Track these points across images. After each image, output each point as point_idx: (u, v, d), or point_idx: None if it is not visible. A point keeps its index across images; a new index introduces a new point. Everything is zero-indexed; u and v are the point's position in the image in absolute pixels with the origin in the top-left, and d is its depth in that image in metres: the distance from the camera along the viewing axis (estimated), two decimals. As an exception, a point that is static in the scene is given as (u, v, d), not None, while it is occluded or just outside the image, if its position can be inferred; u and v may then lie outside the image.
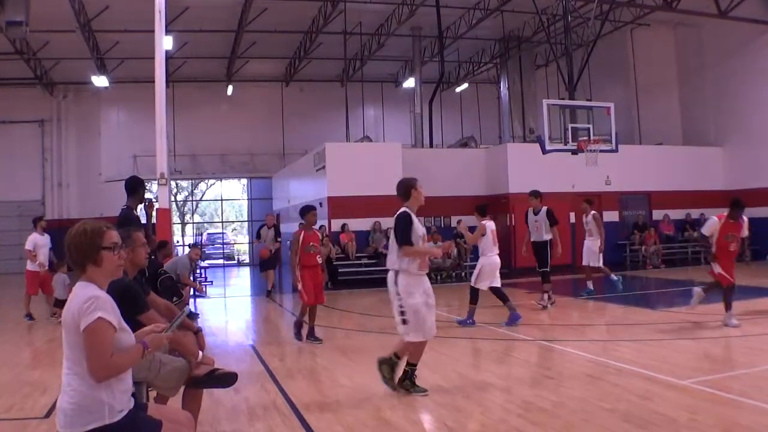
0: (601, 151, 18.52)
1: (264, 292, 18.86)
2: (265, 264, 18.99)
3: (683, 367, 7.98)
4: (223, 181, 41.00)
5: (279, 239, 18.86)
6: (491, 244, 12.40)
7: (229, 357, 9.97)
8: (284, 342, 11.82)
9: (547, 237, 14.23)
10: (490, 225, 12.53)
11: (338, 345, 11.01)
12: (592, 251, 15.73)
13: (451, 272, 22.05)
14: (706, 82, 27.15)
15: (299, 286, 10.93)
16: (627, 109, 27.67)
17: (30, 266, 14.90)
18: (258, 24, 26.09)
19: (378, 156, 23.88)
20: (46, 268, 15.04)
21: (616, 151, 19.11)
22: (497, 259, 12.51)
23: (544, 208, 14.39)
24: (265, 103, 34.93)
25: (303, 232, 10.92)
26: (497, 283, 12.43)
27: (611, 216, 25.06)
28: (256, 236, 19.06)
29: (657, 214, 25.71)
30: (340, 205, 22.32)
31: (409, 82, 32.58)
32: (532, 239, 14.53)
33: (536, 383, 7.47)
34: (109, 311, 3.56)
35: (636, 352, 9.14)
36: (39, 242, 14.97)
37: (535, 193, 14.59)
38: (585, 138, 18.21)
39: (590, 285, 15.95)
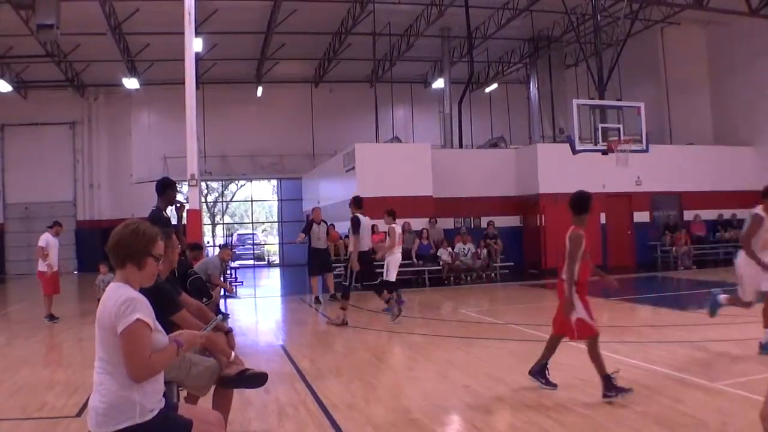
0: (632, 151, 18.40)
1: (313, 296, 17.73)
2: (318, 267, 17.70)
3: (714, 369, 7.90)
4: (253, 182, 41.14)
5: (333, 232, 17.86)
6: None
7: (259, 357, 10.00)
8: (314, 343, 11.86)
9: None
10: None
11: (368, 346, 11.01)
12: None
13: (481, 273, 21.94)
14: (738, 80, 26.81)
15: (582, 312, 7.06)
16: (657, 108, 27.38)
17: (41, 267, 14.93)
18: (287, 25, 26.17)
19: (407, 156, 23.85)
20: (55, 269, 15.09)
21: (646, 151, 18.97)
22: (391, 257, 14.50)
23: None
24: (295, 104, 35.04)
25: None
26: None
27: (642, 216, 24.92)
28: (303, 231, 17.78)
29: (688, 215, 25.41)
30: (369, 206, 22.19)
31: (439, 83, 32.62)
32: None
33: (567, 385, 7.42)
34: (146, 312, 3.59)
35: (667, 353, 9.06)
36: (51, 242, 15.05)
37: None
38: (615, 138, 18.11)
39: None
